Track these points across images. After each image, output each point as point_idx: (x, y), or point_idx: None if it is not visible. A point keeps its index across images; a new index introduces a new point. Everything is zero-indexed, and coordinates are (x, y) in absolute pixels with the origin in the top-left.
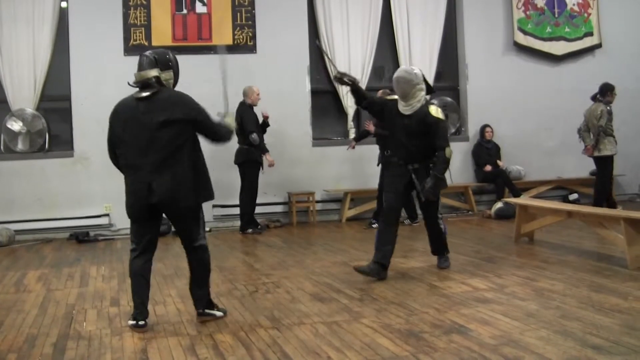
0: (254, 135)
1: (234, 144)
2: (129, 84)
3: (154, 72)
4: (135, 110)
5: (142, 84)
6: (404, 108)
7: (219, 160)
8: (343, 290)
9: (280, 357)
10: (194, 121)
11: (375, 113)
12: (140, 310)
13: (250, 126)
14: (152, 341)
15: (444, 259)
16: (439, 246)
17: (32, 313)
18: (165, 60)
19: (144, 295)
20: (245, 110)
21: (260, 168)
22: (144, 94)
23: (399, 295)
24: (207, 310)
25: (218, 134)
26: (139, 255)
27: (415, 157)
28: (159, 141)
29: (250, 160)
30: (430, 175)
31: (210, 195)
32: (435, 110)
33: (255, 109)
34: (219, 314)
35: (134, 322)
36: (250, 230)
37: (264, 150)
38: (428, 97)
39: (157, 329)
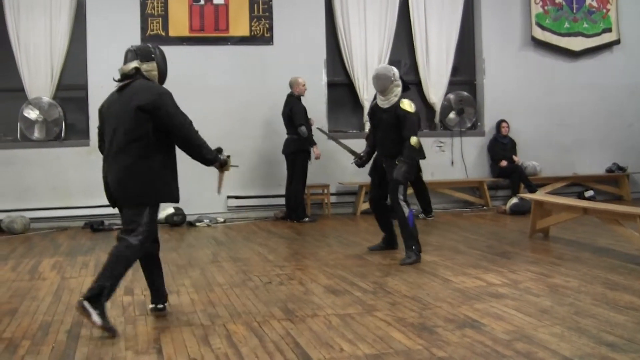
0: (303, 128)
1: (282, 134)
2: (114, 79)
3: (133, 64)
4: (112, 101)
5: (123, 77)
6: (382, 102)
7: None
8: (357, 283)
9: (293, 349)
10: (152, 111)
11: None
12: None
13: (299, 119)
14: (166, 331)
15: (409, 254)
16: (405, 235)
17: (46, 300)
18: (146, 52)
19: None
20: (294, 102)
21: (309, 157)
22: (121, 84)
23: (412, 289)
24: (85, 303)
25: (181, 129)
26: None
27: (388, 149)
28: (120, 131)
29: (301, 150)
30: (400, 161)
31: (160, 199)
32: (404, 104)
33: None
34: (94, 317)
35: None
36: (307, 219)
37: (311, 142)
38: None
39: (170, 319)
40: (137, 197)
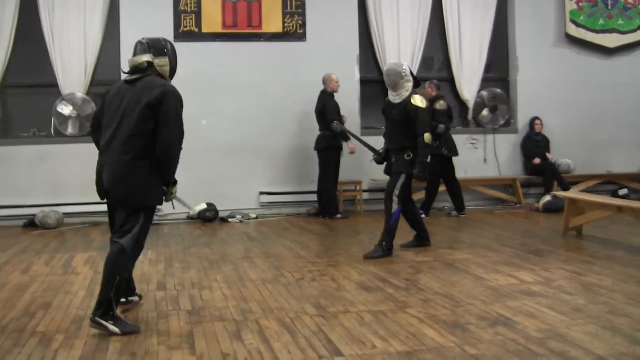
0: (335, 124)
1: (315, 130)
2: (122, 71)
3: (145, 57)
4: (119, 92)
5: (133, 69)
6: (393, 97)
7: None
8: (389, 279)
9: (325, 345)
10: (155, 106)
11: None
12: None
13: (332, 114)
14: (198, 325)
15: (377, 248)
16: (384, 229)
17: (79, 294)
18: (159, 47)
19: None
20: (327, 98)
21: (341, 153)
22: (131, 77)
23: (445, 286)
24: (97, 318)
25: (169, 133)
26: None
27: (397, 142)
28: (124, 125)
29: (332, 146)
30: (416, 161)
31: (156, 202)
32: (415, 99)
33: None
34: (111, 327)
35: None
36: (339, 216)
37: (345, 137)
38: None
39: (202, 314)
40: (134, 200)
